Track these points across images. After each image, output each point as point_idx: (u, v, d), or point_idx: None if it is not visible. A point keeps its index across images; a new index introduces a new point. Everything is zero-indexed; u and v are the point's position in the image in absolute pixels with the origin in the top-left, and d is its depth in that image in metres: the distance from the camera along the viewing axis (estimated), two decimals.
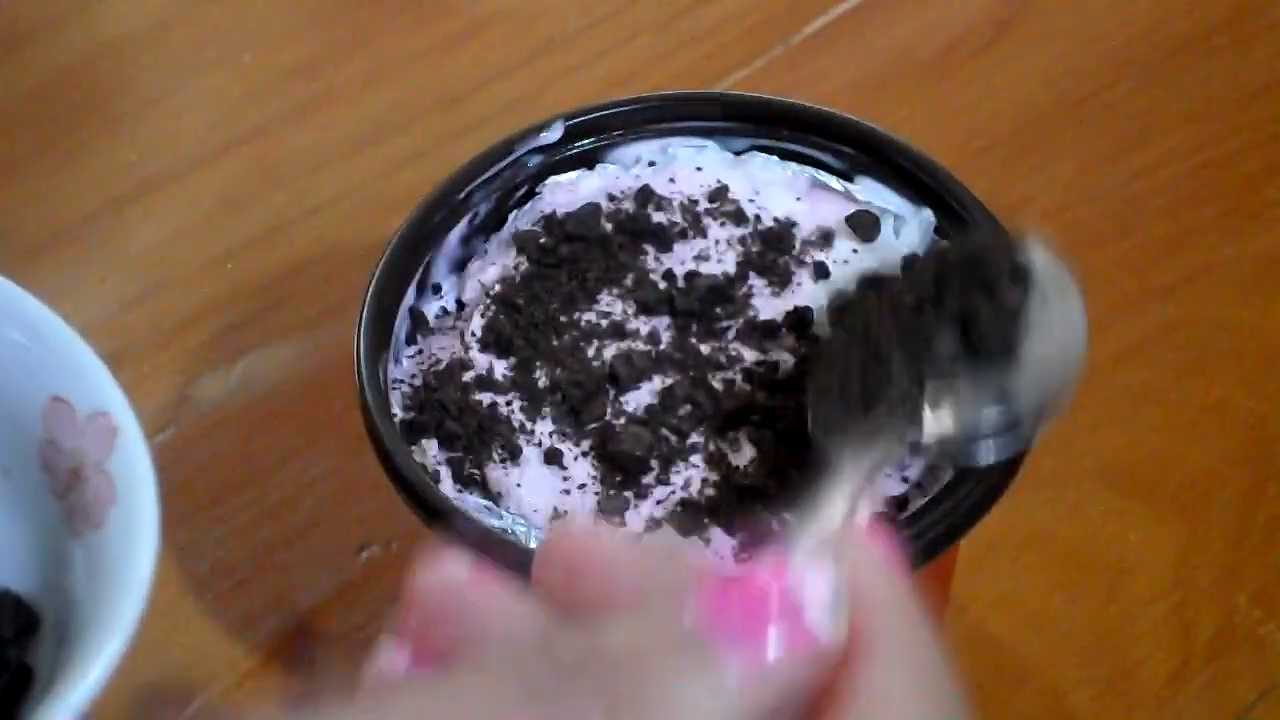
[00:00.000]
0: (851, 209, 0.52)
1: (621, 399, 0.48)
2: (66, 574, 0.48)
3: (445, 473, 0.47)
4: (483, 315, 0.50)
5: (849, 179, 0.53)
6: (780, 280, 0.51)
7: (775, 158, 0.53)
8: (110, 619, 0.43)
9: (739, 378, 0.48)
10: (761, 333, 0.49)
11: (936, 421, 0.41)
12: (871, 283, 0.48)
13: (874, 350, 0.42)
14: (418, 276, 0.51)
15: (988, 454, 0.42)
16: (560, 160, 0.53)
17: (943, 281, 0.42)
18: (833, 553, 0.29)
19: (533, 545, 0.45)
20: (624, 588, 0.29)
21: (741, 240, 0.52)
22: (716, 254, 0.51)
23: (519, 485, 0.47)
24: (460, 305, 0.51)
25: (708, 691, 0.27)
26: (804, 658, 0.28)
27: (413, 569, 0.31)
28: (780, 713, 0.28)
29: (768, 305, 0.50)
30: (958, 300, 0.42)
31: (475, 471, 0.47)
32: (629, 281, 0.51)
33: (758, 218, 0.52)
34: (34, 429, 0.49)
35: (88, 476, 0.47)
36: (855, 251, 0.51)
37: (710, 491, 0.46)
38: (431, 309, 0.51)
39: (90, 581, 0.46)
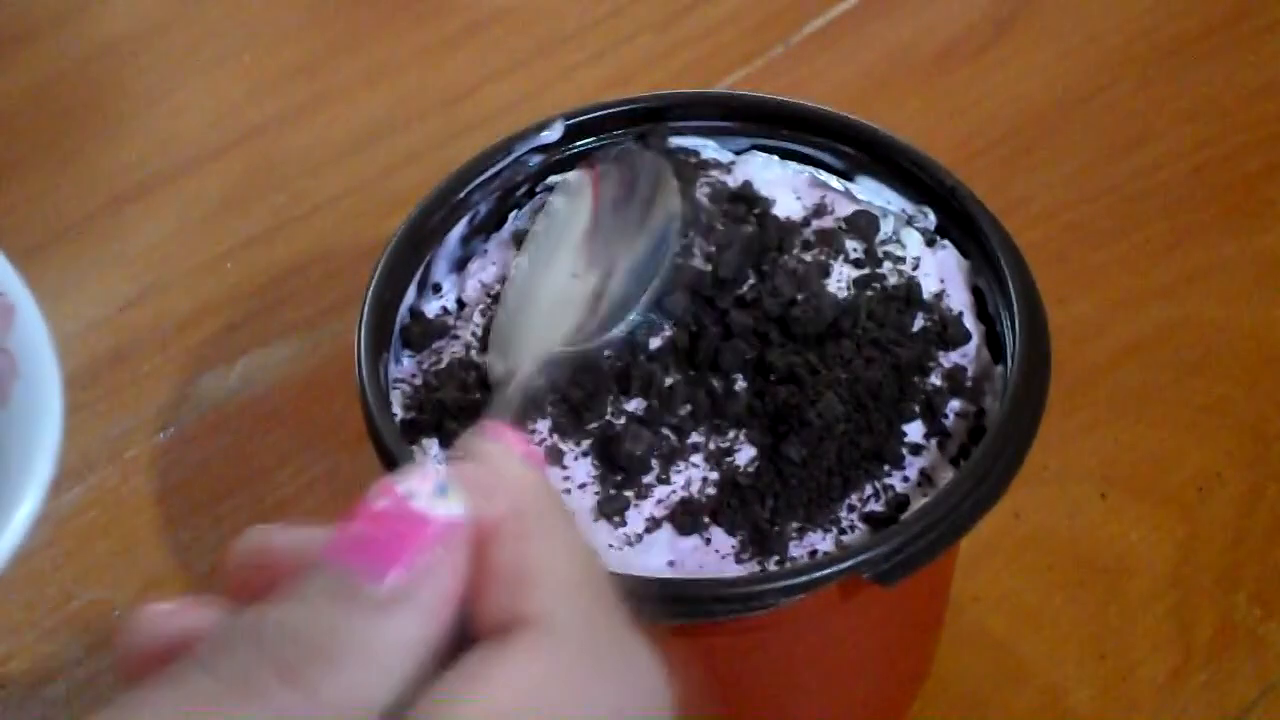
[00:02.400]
0: (851, 209, 0.52)
1: (622, 399, 0.48)
2: None
3: None
4: (483, 315, 0.50)
5: (849, 178, 0.53)
6: (780, 280, 0.50)
7: (775, 157, 0.53)
8: (22, 483, 0.43)
9: (739, 377, 0.48)
10: (761, 332, 0.49)
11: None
12: None
13: None
14: (418, 276, 0.51)
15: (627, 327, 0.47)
16: (560, 160, 0.53)
17: None
18: (447, 456, 0.32)
19: None
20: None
21: (741, 240, 0.51)
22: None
23: None
24: (460, 305, 0.51)
25: (363, 623, 0.29)
26: (432, 544, 0.30)
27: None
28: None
29: (767, 305, 0.50)
30: None
31: None
32: None
33: (758, 217, 0.52)
34: None
35: None
36: (855, 250, 0.51)
37: (710, 491, 0.46)
38: (431, 309, 0.51)
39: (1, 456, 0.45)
